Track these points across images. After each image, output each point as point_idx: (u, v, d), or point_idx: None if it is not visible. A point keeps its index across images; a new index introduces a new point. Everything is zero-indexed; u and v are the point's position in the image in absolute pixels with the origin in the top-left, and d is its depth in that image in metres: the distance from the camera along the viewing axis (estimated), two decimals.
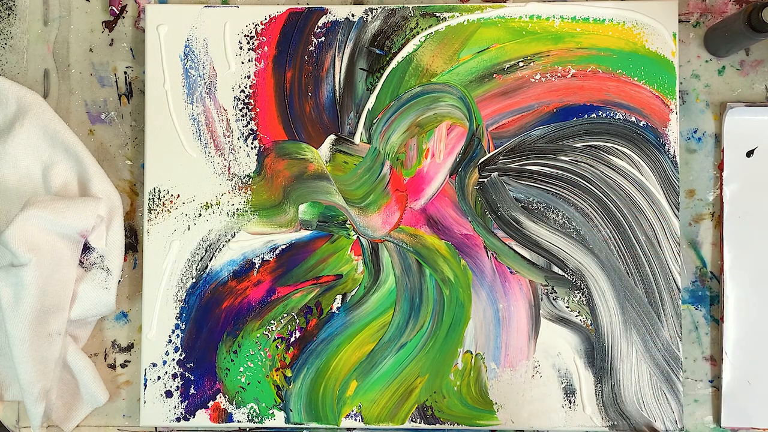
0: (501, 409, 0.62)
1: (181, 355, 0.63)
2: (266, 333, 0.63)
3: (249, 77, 0.64)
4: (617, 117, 0.63)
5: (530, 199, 0.63)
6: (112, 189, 0.64)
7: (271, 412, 0.62)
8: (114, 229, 0.63)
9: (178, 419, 0.62)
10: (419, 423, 0.62)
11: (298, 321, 0.63)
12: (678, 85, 0.63)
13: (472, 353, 0.62)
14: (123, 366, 0.65)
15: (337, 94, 0.64)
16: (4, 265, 0.60)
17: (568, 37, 0.63)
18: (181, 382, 0.63)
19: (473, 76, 0.63)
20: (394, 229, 0.63)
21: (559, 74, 0.63)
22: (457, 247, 0.63)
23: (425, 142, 0.63)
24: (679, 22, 0.64)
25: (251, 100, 0.64)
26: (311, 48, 0.64)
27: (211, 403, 0.63)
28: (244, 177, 0.64)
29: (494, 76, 0.63)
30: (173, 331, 0.63)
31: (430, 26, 0.63)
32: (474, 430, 0.62)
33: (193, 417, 0.62)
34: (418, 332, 0.62)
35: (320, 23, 0.64)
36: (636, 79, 0.63)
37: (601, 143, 0.63)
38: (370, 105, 0.63)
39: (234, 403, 0.62)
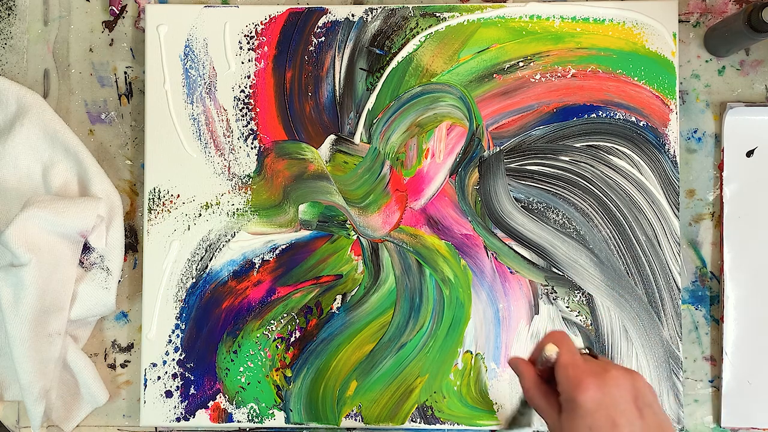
0: (501, 409, 0.62)
1: (181, 355, 0.63)
2: (266, 333, 0.63)
3: (249, 77, 0.64)
4: (617, 117, 0.63)
5: (530, 199, 0.63)
6: (112, 189, 0.64)
7: (271, 412, 0.62)
8: (114, 229, 0.63)
9: (178, 419, 0.62)
10: (419, 423, 0.62)
11: (298, 321, 0.63)
12: (678, 85, 0.63)
13: (472, 353, 0.62)
14: (123, 366, 0.65)
15: (337, 94, 0.64)
16: (4, 265, 0.60)
17: (568, 37, 0.63)
18: (181, 382, 0.63)
19: (473, 76, 0.63)
20: (394, 229, 0.63)
21: (559, 74, 0.63)
22: (457, 247, 0.63)
23: (425, 142, 0.63)
24: (679, 22, 0.64)
25: (251, 100, 0.64)
26: (311, 48, 0.64)
27: (211, 403, 0.62)
28: (244, 177, 0.63)
29: (494, 76, 0.63)
30: (173, 331, 0.63)
31: (430, 26, 0.63)
32: (474, 430, 0.62)
33: (193, 417, 0.62)
34: (418, 332, 0.62)
35: (320, 23, 0.64)
36: (636, 79, 0.63)
37: (601, 143, 0.63)
38: (370, 105, 0.63)
39: (234, 403, 0.62)
